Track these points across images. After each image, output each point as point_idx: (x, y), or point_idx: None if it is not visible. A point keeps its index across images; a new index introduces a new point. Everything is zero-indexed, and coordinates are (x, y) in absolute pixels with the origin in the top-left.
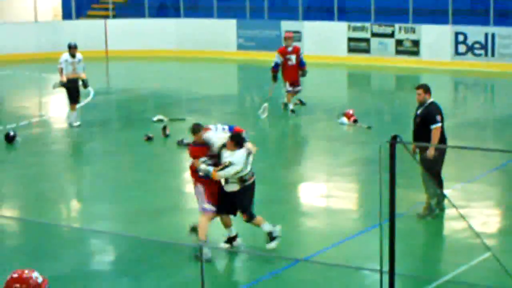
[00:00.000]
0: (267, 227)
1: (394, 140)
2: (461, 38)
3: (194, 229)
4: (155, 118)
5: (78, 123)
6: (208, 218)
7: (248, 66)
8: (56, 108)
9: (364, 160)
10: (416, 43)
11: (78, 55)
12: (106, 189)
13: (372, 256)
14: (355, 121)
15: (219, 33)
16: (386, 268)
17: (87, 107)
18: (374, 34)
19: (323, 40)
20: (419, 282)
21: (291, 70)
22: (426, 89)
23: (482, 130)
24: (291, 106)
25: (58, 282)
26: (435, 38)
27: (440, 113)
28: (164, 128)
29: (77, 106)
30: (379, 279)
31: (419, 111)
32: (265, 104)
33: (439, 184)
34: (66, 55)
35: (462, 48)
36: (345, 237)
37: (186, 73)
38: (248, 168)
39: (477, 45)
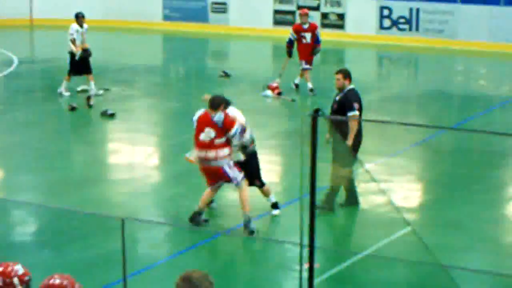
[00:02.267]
0: (273, 199)
1: (316, 113)
2: (386, 12)
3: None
4: (79, 88)
5: (101, 91)
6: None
7: (173, 37)
8: None
9: (288, 133)
10: (341, 16)
11: (85, 25)
12: (29, 159)
13: (293, 230)
14: (279, 93)
15: (144, 4)
16: (306, 241)
17: (10, 76)
18: (299, 7)
19: (249, 12)
20: (339, 255)
21: (306, 48)
22: (346, 75)
23: (405, 104)
24: (310, 85)
25: None
26: (360, 12)
27: (359, 101)
28: (88, 98)
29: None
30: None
31: (337, 97)
32: (278, 80)
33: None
34: (75, 26)
35: (387, 22)
36: (267, 210)
37: (111, 43)
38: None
39: (401, 20)
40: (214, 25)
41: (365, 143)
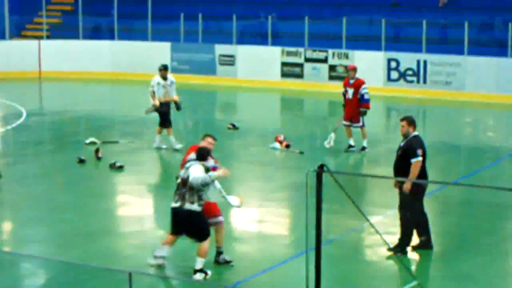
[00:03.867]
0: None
1: (321, 168)
2: (393, 64)
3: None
4: (87, 141)
5: (179, 145)
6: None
7: (182, 90)
8: None
9: (296, 186)
10: None
11: (170, 77)
12: (38, 212)
13: (301, 282)
14: (287, 146)
15: (153, 56)
16: None
17: (19, 128)
18: (307, 59)
19: (256, 65)
20: None
21: (348, 104)
22: (410, 122)
23: None
24: (351, 142)
25: None
26: (368, 64)
27: (422, 147)
28: (97, 150)
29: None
30: None
31: (402, 143)
32: (332, 134)
33: (423, 221)
34: (157, 78)
35: (394, 74)
36: (276, 263)
37: (120, 95)
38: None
39: (409, 72)
40: (222, 77)
41: (375, 195)
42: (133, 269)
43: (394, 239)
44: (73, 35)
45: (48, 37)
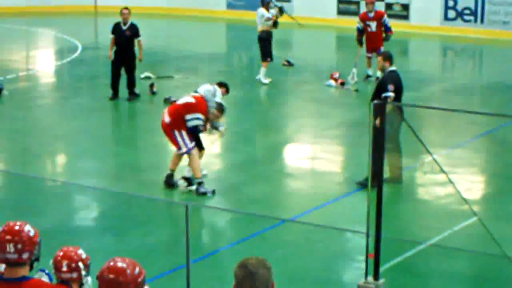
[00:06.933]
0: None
1: (384, 100)
2: (451, 3)
3: (185, 179)
4: (142, 75)
5: (268, 80)
6: (197, 154)
7: (237, 26)
8: (43, 63)
9: (351, 123)
10: (405, 7)
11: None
12: (92, 145)
13: (355, 219)
14: (342, 83)
15: None
16: (371, 231)
17: (74, 62)
18: None
19: (313, 2)
20: (404, 245)
21: (372, 37)
22: (386, 57)
23: (469, 96)
24: (369, 72)
25: (41, 237)
26: (425, 2)
27: (395, 83)
28: (152, 85)
29: None
30: (363, 242)
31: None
32: (354, 70)
33: (398, 154)
34: (262, 10)
35: (451, 13)
36: (330, 199)
37: (175, 31)
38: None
39: (466, 11)
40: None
41: (428, 134)
42: (190, 202)
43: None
44: None
45: None
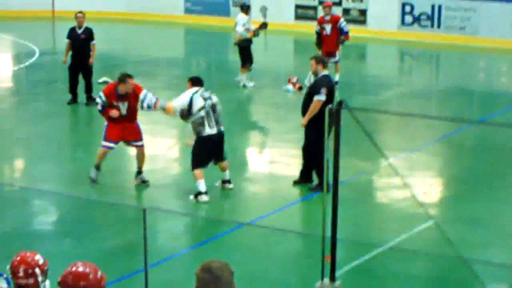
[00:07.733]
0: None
1: (339, 105)
2: (408, 8)
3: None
4: (100, 80)
5: (251, 83)
6: (103, 152)
7: (195, 30)
8: (0, 68)
9: None
10: (363, 12)
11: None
12: (50, 150)
13: (312, 222)
14: (300, 88)
15: None
16: (328, 234)
17: (32, 66)
18: (321, 2)
19: (270, 7)
20: (361, 248)
21: (327, 41)
22: (318, 60)
23: (426, 100)
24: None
25: None
26: (382, 8)
27: (328, 87)
28: None
29: None
30: (320, 245)
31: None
32: (310, 73)
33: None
34: (242, 15)
35: (408, 18)
36: (288, 203)
37: (133, 35)
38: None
39: (423, 16)
40: (235, 18)
41: (386, 138)
42: (148, 205)
43: (406, 181)
44: None
45: None
